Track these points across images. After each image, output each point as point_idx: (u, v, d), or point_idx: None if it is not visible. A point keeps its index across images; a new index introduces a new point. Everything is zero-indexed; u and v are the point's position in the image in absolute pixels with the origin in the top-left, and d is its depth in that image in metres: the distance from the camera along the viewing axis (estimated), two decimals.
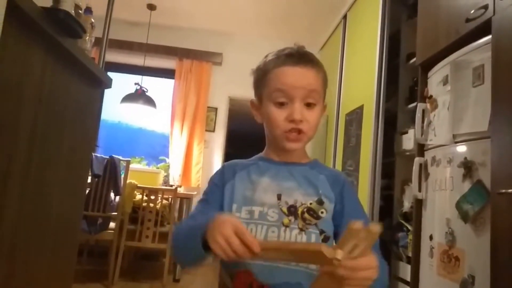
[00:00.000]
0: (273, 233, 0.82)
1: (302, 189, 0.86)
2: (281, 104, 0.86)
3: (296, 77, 0.87)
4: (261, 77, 0.91)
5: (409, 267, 1.95)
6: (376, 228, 0.60)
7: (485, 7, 1.42)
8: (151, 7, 3.92)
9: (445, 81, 1.66)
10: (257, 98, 0.94)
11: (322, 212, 0.84)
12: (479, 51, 1.47)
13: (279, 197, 0.84)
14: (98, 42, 1.93)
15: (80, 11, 1.39)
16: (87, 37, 1.50)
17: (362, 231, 0.60)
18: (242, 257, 0.66)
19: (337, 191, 0.88)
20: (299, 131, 0.86)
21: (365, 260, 0.63)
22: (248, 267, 0.79)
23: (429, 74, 1.84)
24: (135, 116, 4.60)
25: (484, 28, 1.42)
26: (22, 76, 1.14)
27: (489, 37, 1.39)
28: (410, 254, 1.99)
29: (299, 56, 0.89)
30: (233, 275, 0.81)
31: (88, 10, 1.53)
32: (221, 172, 0.94)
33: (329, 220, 0.84)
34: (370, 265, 0.64)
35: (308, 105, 0.87)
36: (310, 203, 0.84)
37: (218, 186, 0.91)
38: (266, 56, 0.93)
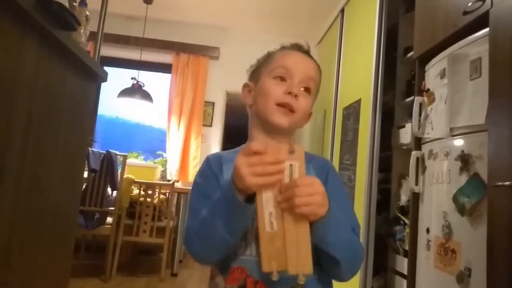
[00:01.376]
0: None
1: None
2: (281, 79, 0.87)
3: (300, 60, 0.90)
4: (263, 60, 0.93)
5: (406, 260, 1.95)
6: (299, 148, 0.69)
7: None
8: (148, 1, 3.89)
9: (442, 75, 1.66)
10: (253, 81, 0.94)
11: None
12: (477, 44, 1.46)
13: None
14: (93, 36, 1.92)
15: (74, 4, 1.37)
16: (82, 30, 1.49)
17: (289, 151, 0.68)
18: (276, 170, 0.67)
19: (323, 178, 0.86)
20: (291, 108, 0.84)
21: (305, 177, 0.68)
22: (242, 263, 0.78)
23: (427, 67, 1.83)
24: (132, 111, 4.58)
25: (482, 21, 1.41)
26: (15, 69, 1.12)
27: (487, 29, 1.39)
28: (407, 248, 1.99)
29: (303, 48, 0.94)
30: (226, 271, 0.79)
31: (83, 3, 1.52)
32: (207, 165, 0.90)
33: None
34: (312, 181, 0.69)
35: (305, 90, 0.88)
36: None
37: (209, 177, 0.87)
38: (271, 49, 0.95)
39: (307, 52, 0.94)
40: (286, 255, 0.67)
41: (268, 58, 0.93)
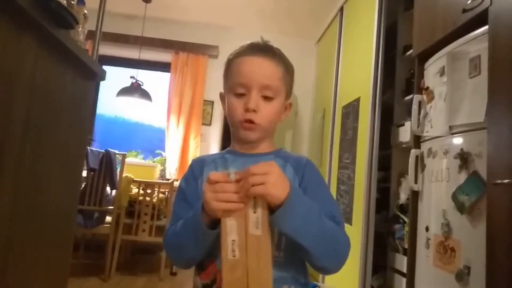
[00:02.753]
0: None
1: None
2: (240, 95, 0.89)
3: (253, 67, 0.89)
4: (226, 68, 0.95)
5: (405, 258, 1.96)
6: None
7: None
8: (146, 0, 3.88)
9: (441, 72, 1.65)
10: (224, 90, 0.96)
11: None
12: (476, 42, 1.46)
13: None
14: (92, 35, 1.91)
15: (72, 2, 1.37)
16: (80, 29, 1.48)
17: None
18: (237, 198, 0.71)
19: (300, 174, 0.88)
20: (253, 122, 0.87)
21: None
22: (215, 261, 0.81)
23: (426, 65, 1.83)
24: (131, 110, 4.58)
25: (481, 19, 1.41)
26: (14, 67, 1.12)
27: (486, 27, 1.39)
28: (406, 246, 1.99)
29: (259, 47, 0.92)
30: (202, 268, 0.85)
31: (81, 1, 1.51)
32: (190, 169, 0.95)
33: None
34: (267, 163, 0.73)
35: (266, 97, 0.89)
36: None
37: (190, 181, 0.92)
38: (231, 53, 0.96)
39: (262, 50, 0.92)
40: (247, 285, 0.70)
41: (227, 69, 0.94)
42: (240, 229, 0.71)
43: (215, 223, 0.75)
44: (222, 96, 0.97)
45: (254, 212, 0.72)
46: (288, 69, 0.94)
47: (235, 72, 0.91)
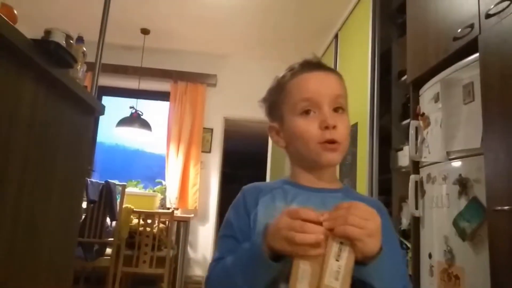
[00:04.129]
0: None
1: None
2: (307, 113, 0.77)
3: (320, 81, 0.80)
4: (277, 94, 0.84)
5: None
6: None
7: (471, 26, 1.44)
8: (145, 31, 3.96)
9: (436, 99, 1.67)
10: (276, 122, 0.84)
11: None
12: (468, 69, 1.48)
13: None
14: (92, 66, 1.95)
15: (71, 41, 1.40)
16: (79, 66, 1.51)
17: None
18: (311, 241, 0.58)
19: None
20: (335, 141, 0.75)
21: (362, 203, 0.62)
22: None
23: (421, 91, 1.85)
24: (131, 139, 4.60)
25: (472, 46, 1.44)
26: (13, 107, 1.14)
27: (477, 55, 1.41)
28: (410, 273, 1.96)
29: (316, 63, 0.84)
30: None
31: (80, 39, 1.55)
32: (242, 199, 0.81)
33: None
34: (369, 207, 0.61)
35: (337, 111, 0.78)
36: (341, 242, 0.69)
37: (240, 214, 0.78)
38: (274, 80, 0.86)
39: (322, 66, 0.84)
40: None
41: (282, 91, 0.82)
42: (313, 278, 0.59)
43: (277, 260, 0.63)
44: (272, 128, 0.85)
45: (337, 260, 0.60)
46: (344, 83, 0.86)
47: (295, 90, 0.79)
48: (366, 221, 0.60)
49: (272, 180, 0.87)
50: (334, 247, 0.60)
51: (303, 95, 0.78)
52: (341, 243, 0.60)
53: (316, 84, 0.79)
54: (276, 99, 0.84)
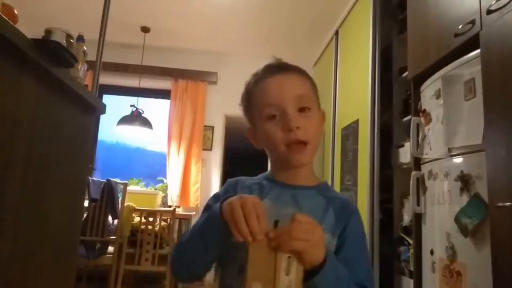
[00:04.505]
0: None
1: None
2: (273, 118, 0.79)
3: (280, 85, 0.81)
4: (247, 101, 0.87)
5: (411, 281, 1.92)
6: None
7: (473, 22, 1.43)
8: (145, 29, 3.96)
9: (437, 95, 1.67)
10: (251, 124, 0.88)
11: None
12: (469, 65, 1.48)
13: (276, 224, 0.70)
14: (92, 65, 1.95)
15: (71, 40, 1.40)
16: (80, 65, 1.51)
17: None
18: (244, 234, 0.62)
19: (343, 224, 0.78)
20: (301, 141, 0.78)
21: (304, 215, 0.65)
22: None
23: (422, 88, 1.85)
24: (132, 137, 4.60)
25: (473, 43, 1.43)
26: (15, 107, 1.14)
27: (478, 51, 1.41)
28: (412, 269, 1.96)
29: (278, 66, 0.86)
30: None
31: (80, 38, 1.54)
32: (224, 189, 0.87)
33: None
34: (311, 220, 0.64)
35: (302, 111, 0.80)
36: (289, 256, 0.72)
37: (220, 198, 0.81)
38: (246, 83, 0.89)
39: (282, 68, 0.85)
40: None
41: (250, 97, 0.86)
42: None
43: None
44: (249, 132, 0.88)
45: (287, 275, 0.62)
46: (312, 80, 0.87)
47: (260, 97, 0.82)
48: (310, 234, 0.63)
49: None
50: (283, 262, 0.62)
51: (266, 101, 0.81)
52: (289, 257, 0.63)
53: (276, 88, 0.81)
54: (247, 105, 0.87)
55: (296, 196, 0.80)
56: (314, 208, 0.79)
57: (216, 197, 0.84)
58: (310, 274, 0.65)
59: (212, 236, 0.71)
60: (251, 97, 0.85)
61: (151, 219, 3.15)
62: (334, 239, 0.77)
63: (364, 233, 0.85)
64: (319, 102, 0.88)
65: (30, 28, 1.29)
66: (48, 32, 1.21)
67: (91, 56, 1.75)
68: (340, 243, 0.77)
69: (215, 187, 4.31)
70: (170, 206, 3.91)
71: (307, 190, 0.82)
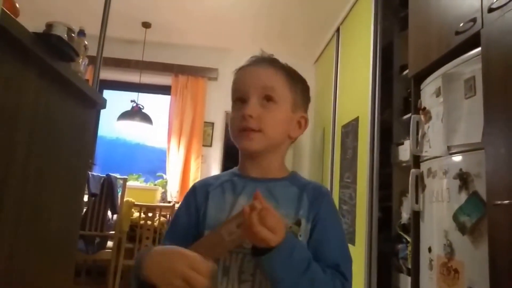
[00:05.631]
0: (249, 263, 0.75)
1: (282, 209, 0.76)
2: (240, 103, 0.82)
3: (249, 74, 0.84)
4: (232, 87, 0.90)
5: (409, 279, 1.93)
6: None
7: (474, 20, 1.43)
8: (146, 25, 3.95)
9: (437, 93, 1.67)
10: None
11: (300, 236, 0.77)
12: (470, 63, 1.48)
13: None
14: (93, 60, 1.95)
15: (73, 34, 1.40)
16: (81, 60, 1.51)
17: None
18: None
19: (315, 208, 0.80)
20: (251, 129, 0.79)
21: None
22: None
23: (422, 86, 1.85)
24: (132, 133, 4.61)
25: (474, 41, 1.43)
26: (16, 100, 1.14)
27: (479, 49, 1.41)
28: (410, 266, 1.97)
29: (258, 58, 0.88)
30: None
31: (81, 33, 1.54)
32: (192, 193, 0.86)
33: (304, 242, 0.78)
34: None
35: (267, 101, 0.81)
36: (290, 226, 0.75)
37: (191, 213, 0.83)
38: None
39: (258, 61, 0.87)
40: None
41: (232, 83, 0.89)
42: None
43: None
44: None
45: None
46: (292, 78, 0.87)
47: (233, 84, 0.86)
48: (264, 220, 0.65)
49: None
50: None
51: (235, 87, 0.85)
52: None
53: (244, 76, 0.84)
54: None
55: (271, 189, 0.81)
56: (290, 199, 0.80)
57: (186, 202, 0.85)
58: (260, 251, 0.67)
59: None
60: (233, 82, 0.88)
61: (150, 214, 3.16)
62: (309, 224, 0.78)
63: (337, 213, 0.87)
64: (302, 103, 0.88)
65: (31, 21, 1.29)
66: (49, 26, 1.21)
67: (92, 51, 1.75)
68: (312, 226, 0.78)
69: None
70: (169, 202, 3.92)
71: (280, 182, 0.83)
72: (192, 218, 0.82)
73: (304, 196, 0.81)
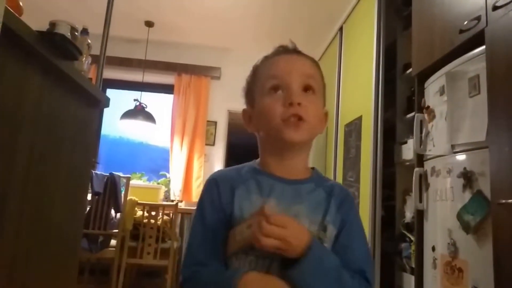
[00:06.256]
0: (275, 270, 0.72)
1: (310, 214, 0.75)
2: (275, 91, 0.76)
3: (289, 61, 0.79)
4: (251, 79, 0.84)
5: (413, 278, 1.93)
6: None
7: (478, 18, 1.43)
8: (149, 24, 3.95)
9: (441, 92, 1.66)
10: (249, 105, 0.84)
11: (325, 242, 0.75)
12: (474, 62, 1.47)
13: None
14: (96, 59, 1.95)
15: (76, 33, 1.40)
16: (84, 58, 1.51)
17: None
18: None
19: (342, 214, 0.78)
20: (299, 117, 0.73)
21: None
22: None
23: (426, 84, 1.84)
24: (135, 131, 4.61)
25: (478, 39, 1.43)
26: (19, 99, 1.14)
27: (483, 47, 1.40)
28: (413, 265, 1.97)
29: (292, 48, 0.83)
30: None
31: (85, 31, 1.55)
32: (215, 188, 0.79)
33: (329, 247, 0.76)
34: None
35: (307, 90, 0.77)
36: (317, 232, 0.74)
37: (217, 209, 0.77)
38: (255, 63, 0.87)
39: (296, 50, 0.83)
40: None
41: (255, 74, 0.83)
42: None
43: None
44: (245, 113, 0.84)
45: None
46: (322, 75, 0.84)
47: (266, 69, 0.79)
48: (283, 230, 0.65)
49: None
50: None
51: (272, 72, 0.77)
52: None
53: (284, 63, 0.79)
54: (250, 84, 0.84)
55: (299, 192, 0.77)
56: (317, 203, 0.77)
57: (211, 202, 0.78)
58: (291, 261, 0.67)
59: None
60: (256, 73, 0.83)
61: (153, 213, 3.16)
62: (335, 230, 0.76)
63: (359, 218, 0.84)
64: (325, 99, 0.84)
65: (35, 20, 1.29)
66: (53, 24, 1.21)
67: (95, 50, 1.75)
68: (338, 231, 0.76)
69: None
70: (172, 201, 3.92)
71: (307, 184, 0.79)
72: (221, 214, 0.76)
73: (332, 201, 0.78)
